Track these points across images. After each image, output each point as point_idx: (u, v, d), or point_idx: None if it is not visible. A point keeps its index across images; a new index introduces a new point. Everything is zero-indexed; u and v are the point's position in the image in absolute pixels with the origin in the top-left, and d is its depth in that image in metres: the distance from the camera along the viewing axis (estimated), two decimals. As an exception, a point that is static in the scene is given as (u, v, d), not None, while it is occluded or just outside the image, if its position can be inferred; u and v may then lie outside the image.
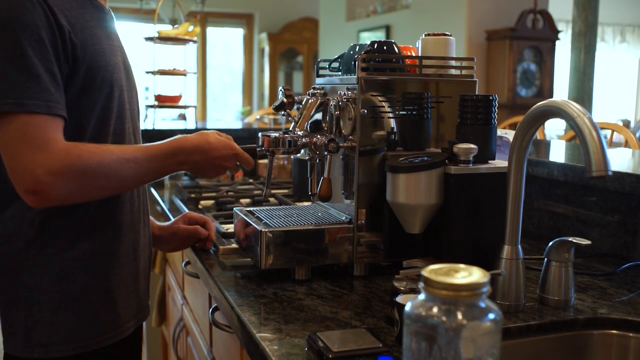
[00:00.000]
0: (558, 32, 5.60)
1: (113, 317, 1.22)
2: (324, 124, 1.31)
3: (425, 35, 1.32)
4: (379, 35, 6.53)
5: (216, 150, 1.22)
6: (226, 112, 9.51)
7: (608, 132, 2.93)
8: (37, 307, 1.15)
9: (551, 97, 5.44)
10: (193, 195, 1.96)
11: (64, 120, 1.07)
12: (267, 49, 9.06)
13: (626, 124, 8.25)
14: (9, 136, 1.03)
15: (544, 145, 2.24)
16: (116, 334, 1.23)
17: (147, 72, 3.48)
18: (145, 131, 2.94)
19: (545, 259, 1.13)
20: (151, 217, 1.41)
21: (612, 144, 2.96)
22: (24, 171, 1.02)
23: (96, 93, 1.14)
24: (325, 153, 1.26)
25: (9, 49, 1.02)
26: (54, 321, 1.15)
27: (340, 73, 1.39)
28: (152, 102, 3.49)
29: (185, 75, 3.59)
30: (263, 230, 1.20)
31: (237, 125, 3.96)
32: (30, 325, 1.15)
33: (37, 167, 1.01)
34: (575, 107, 0.94)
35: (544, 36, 5.44)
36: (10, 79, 1.02)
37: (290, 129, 1.28)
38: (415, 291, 0.95)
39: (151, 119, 3.50)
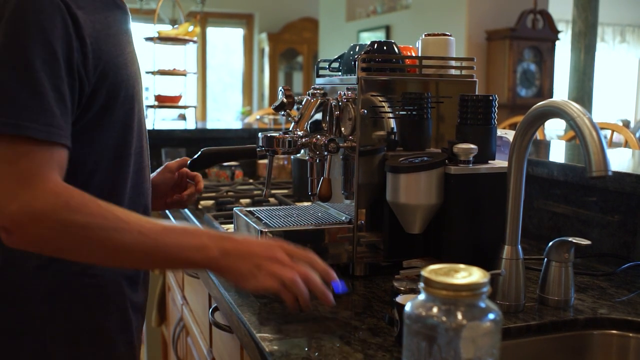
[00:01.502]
0: (558, 32, 5.60)
1: (129, 347, 1.11)
2: (324, 124, 1.31)
3: (425, 35, 1.32)
4: (379, 36, 6.53)
5: (254, 241, 0.98)
6: (226, 112, 9.51)
7: (608, 132, 2.93)
8: (50, 341, 1.01)
9: (551, 97, 5.44)
10: (193, 196, 1.96)
11: (65, 149, 0.92)
12: (267, 49, 9.06)
13: (626, 124, 8.25)
14: None
15: (544, 145, 2.24)
16: None
17: (147, 72, 3.48)
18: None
19: (545, 259, 1.13)
20: None
21: (612, 144, 2.96)
22: (1, 206, 0.86)
23: (118, 111, 1.02)
24: (325, 153, 1.26)
25: (14, 58, 0.88)
26: (71, 355, 1.03)
27: (340, 73, 1.39)
28: (152, 102, 3.49)
29: (185, 75, 3.59)
30: (263, 230, 1.20)
31: (237, 125, 3.96)
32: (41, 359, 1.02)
33: (13, 203, 0.85)
34: (575, 107, 0.94)
35: (544, 36, 5.44)
36: (9, 94, 0.87)
37: (290, 129, 1.28)
38: (415, 291, 0.95)
39: (151, 119, 3.51)
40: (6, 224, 0.87)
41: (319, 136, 1.26)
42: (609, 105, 9.86)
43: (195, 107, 3.67)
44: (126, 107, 1.04)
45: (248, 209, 1.41)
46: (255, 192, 2.00)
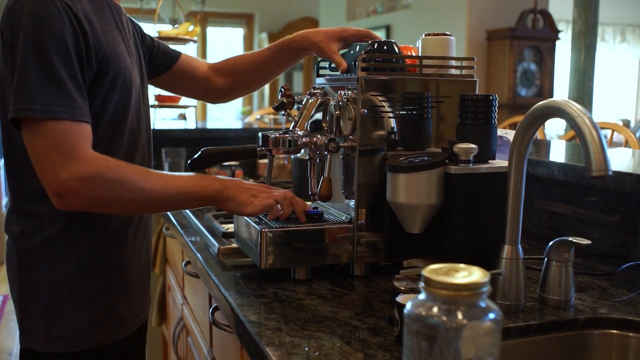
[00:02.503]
0: (558, 32, 5.59)
1: (130, 309, 1.27)
2: (324, 124, 1.31)
3: (426, 35, 1.32)
4: (379, 35, 6.52)
5: (243, 181, 1.22)
6: (226, 112, 9.50)
7: (608, 132, 2.93)
8: (59, 302, 1.17)
9: (551, 97, 5.43)
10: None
11: (89, 125, 1.09)
12: (267, 49, 9.04)
13: (626, 124, 8.25)
14: (38, 143, 1.05)
15: (544, 145, 2.24)
16: (132, 326, 1.28)
17: (147, 72, 3.48)
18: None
19: (546, 258, 1.13)
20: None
21: (612, 144, 2.96)
22: (53, 176, 1.04)
23: (116, 94, 1.17)
24: (326, 153, 1.26)
25: (35, 56, 1.04)
26: (77, 316, 1.18)
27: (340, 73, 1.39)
28: (152, 102, 3.49)
29: (185, 75, 3.58)
30: (263, 230, 1.20)
31: (237, 125, 3.96)
32: (52, 320, 1.17)
33: (64, 173, 1.03)
34: (575, 107, 0.94)
35: (544, 36, 5.44)
36: (35, 86, 1.03)
37: (290, 128, 1.28)
38: (416, 291, 0.95)
39: (151, 118, 3.50)
40: (59, 191, 1.04)
41: (319, 136, 1.26)
42: (609, 105, 9.86)
43: (195, 106, 3.67)
44: (124, 91, 1.18)
45: (248, 208, 1.41)
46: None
